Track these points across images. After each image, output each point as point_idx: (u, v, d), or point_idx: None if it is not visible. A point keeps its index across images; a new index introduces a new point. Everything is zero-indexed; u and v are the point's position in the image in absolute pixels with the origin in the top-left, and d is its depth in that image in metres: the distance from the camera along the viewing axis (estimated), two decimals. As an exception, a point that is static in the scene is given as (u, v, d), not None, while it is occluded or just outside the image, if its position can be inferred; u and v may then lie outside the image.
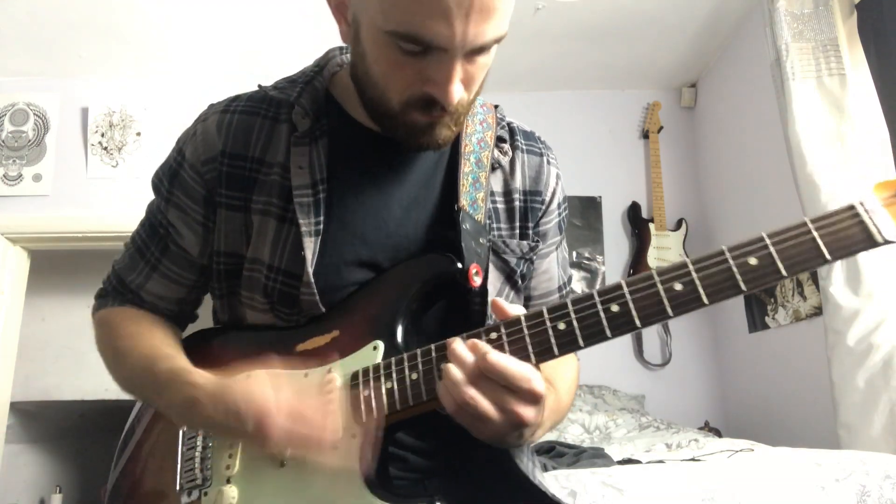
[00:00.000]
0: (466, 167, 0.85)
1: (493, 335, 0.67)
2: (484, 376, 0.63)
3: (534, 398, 0.64)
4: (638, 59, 3.38)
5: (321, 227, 0.79)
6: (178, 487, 0.77)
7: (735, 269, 0.61)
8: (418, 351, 0.71)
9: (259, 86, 0.89)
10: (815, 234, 0.61)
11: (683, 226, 3.44)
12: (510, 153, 0.90)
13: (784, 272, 0.61)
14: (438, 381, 0.66)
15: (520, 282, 0.87)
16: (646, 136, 3.60)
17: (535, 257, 0.92)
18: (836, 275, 2.08)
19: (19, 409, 3.23)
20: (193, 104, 2.81)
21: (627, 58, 3.37)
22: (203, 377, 0.74)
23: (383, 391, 0.70)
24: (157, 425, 0.86)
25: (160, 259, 0.89)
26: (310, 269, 0.77)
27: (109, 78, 3.04)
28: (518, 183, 0.90)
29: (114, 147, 2.96)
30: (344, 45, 0.90)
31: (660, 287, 0.63)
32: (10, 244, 2.90)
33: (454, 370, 0.64)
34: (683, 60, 3.41)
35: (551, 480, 1.31)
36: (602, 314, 0.64)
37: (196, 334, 0.91)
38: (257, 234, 0.81)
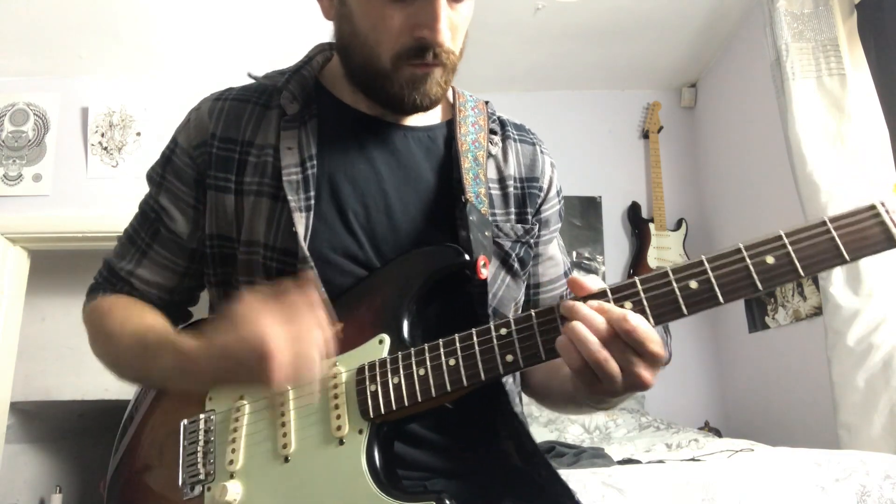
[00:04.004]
0: (466, 163, 0.86)
1: (503, 330, 0.68)
2: (616, 338, 0.62)
3: (655, 361, 0.64)
4: (638, 59, 3.38)
5: (312, 202, 0.80)
6: (180, 482, 0.76)
7: (752, 268, 0.61)
8: (426, 346, 0.71)
9: (249, 74, 0.92)
10: (834, 233, 0.59)
11: (683, 226, 3.44)
12: (500, 143, 0.92)
13: (802, 272, 0.59)
14: (560, 338, 0.64)
15: (516, 266, 0.88)
16: (646, 136, 3.60)
17: (539, 244, 0.93)
18: (836, 275, 2.08)
19: (19, 409, 3.23)
20: (193, 104, 2.81)
21: (627, 58, 3.37)
22: (191, 339, 0.74)
23: (391, 386, 0.70)
24: (156, 417, 0.85)
25: (150, 244, 0.89)
26: (304, 244, 0.78)
27: (109, 78, 3.03)
28: (512, 170, 0.91)
29: (114, 147, 2.96)
30: (332, 41, 0.92)
31: (675, 285, 0.63)
32: (10, 244, 2.90)
33: (584, 329, 0.63)
34: (683, 60, 3.42)
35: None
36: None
37: (193, 324, 0.91)
38: (251, 215, 0.82)
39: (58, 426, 3.59)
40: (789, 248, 0.60)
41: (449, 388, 0.68)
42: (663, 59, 3.41)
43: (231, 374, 0.72)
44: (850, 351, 2.02)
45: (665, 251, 3.37)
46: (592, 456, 1.84)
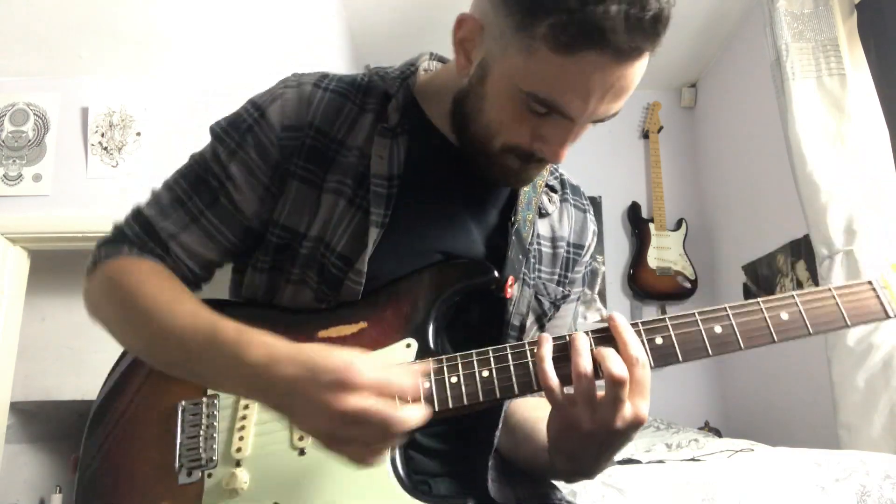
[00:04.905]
0: (526, 186, 0.88)
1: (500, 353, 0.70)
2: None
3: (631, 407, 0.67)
4: (638, 59, 3.38)
5: (387, 220, 0.79)
6: (176, 465, 0.73)
7: (768, 321, 0.71)
8: (458, 355, 0.70)
9: (366, 66, 0.90)
10: (838, 300, 0.71)
11: (683, 226, 3.44)
12: (558, 205, 0.93)
13: (810, 330, 0.70)
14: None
15: (546, 325, 0.91)
16: (646, 136, 3.60)
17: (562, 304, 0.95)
18: (836, 275, 2.08)
19: (19, 409, 3.23)
20: (193, 104, 2.81)
21: (627, 58, 3.37)
22: (274, 339, 0.65)
23: (421, 390, 0.68)
24: (147, 393, 0.79)
25: (204, 211, 0.82)
26: (366, 259, 0.77)
27: (109, 78, 3.03)
28: (565, 233, 0.93)
29: (114, 147, 2.96)
30: (433, 52, 0.93)
31: (701, 327, 0.70)
32: (10, 244, 2.90)
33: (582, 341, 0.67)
34: (683, 60, 3.41)
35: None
36: (646, 344, 0.69)
37: (211, 304, 0.77)
38: (325, 212, 0.80)
39: (58, 426, 3.59)
40: (800, 307, 0.71)
41: (481, 398, 0.68)
42: (663, 59, 3.40)
43: (295, 393, 0.61)
44: (850, 351, 2.02)
45: (665, 251, 3.37)
46: (592, 456, 1.84)
